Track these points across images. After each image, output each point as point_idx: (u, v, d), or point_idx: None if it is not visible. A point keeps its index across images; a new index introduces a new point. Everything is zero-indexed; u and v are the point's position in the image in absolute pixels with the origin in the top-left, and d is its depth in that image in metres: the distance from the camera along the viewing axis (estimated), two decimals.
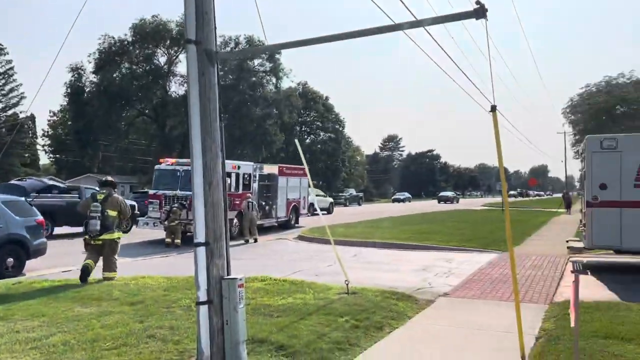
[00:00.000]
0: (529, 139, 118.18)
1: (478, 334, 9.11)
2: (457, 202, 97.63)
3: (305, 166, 12.94)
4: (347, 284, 12.06)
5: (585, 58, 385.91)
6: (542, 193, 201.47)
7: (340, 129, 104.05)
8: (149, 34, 70.21)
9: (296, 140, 13.74)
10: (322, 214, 51.00)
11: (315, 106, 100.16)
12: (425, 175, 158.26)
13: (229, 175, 26.82)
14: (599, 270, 16.35)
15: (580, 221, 18.44)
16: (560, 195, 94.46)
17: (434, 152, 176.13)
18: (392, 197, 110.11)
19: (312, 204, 33.83)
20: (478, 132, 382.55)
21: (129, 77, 69.99)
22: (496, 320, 9.93)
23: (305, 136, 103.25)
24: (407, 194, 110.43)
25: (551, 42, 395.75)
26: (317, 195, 49.98)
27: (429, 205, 75.54)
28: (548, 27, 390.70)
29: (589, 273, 15.80)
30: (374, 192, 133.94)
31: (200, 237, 6.79)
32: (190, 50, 6.89)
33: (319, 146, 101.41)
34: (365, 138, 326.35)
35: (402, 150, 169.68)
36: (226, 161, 7.08)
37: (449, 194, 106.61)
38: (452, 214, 47.63)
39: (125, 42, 70.65)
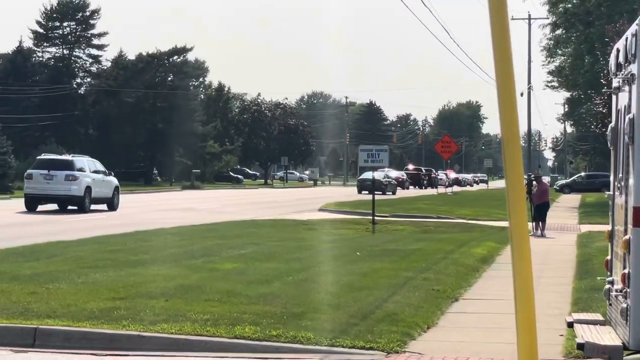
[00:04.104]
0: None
1: None
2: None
3: None
4: None
5: None
6: (483, 176, 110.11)
7: None
8: None
9: None
10: (103, 210, 27.50)
11: None
12: (178, 114, 66.89)
13: None
14: None
15: (607, 265, 7.45)
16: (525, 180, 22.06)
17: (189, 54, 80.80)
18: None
19: None
20: None
21: None
22: None
23: None
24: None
25: None
26: (93, 173, 27.84)
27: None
28: None
29: None
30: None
31: None
32: None
33: None
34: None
35: (104, 47, 73.05)
36: None
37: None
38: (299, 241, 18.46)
39: None
